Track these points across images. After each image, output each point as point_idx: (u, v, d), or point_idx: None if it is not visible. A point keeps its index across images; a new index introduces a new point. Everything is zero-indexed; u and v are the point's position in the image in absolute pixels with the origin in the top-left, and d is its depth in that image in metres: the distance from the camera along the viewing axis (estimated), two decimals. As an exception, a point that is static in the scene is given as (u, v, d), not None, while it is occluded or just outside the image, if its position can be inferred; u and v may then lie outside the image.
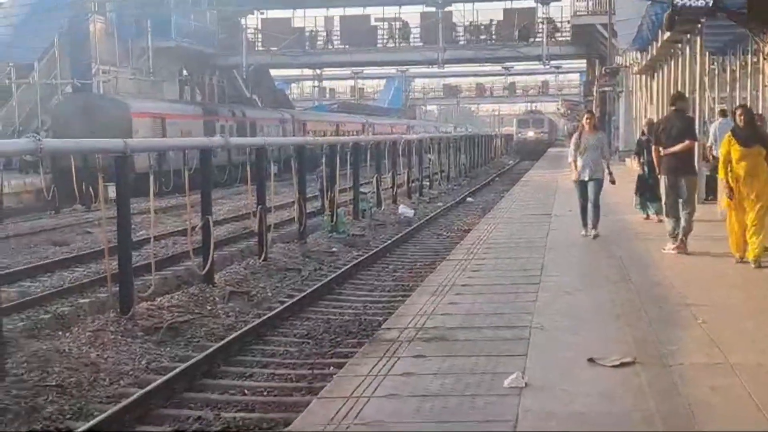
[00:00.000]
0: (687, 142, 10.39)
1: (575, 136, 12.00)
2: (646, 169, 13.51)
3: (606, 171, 11.81)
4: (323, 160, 20.04)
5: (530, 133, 62.34)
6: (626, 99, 36.43)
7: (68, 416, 6.76)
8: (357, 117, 57.26)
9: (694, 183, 10.94)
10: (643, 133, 14.62)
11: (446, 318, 7.25)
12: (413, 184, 27.15)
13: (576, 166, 11.72)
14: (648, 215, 13.65)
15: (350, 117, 56.37)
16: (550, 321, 7.00)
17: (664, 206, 10.78)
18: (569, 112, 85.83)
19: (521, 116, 70.47)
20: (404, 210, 21.98)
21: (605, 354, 5.90)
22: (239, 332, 9.13)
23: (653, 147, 10.88)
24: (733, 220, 9.53)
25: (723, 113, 19.62)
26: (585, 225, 11.93)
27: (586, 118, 12.09)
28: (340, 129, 48.62)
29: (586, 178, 11.68)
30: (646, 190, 13.63)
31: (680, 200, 10.39)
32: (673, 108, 10.98)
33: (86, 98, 30.66)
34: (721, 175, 9.76)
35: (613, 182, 12.04)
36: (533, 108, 77.18)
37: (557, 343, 6.37)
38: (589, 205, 11.81)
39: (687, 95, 14.85)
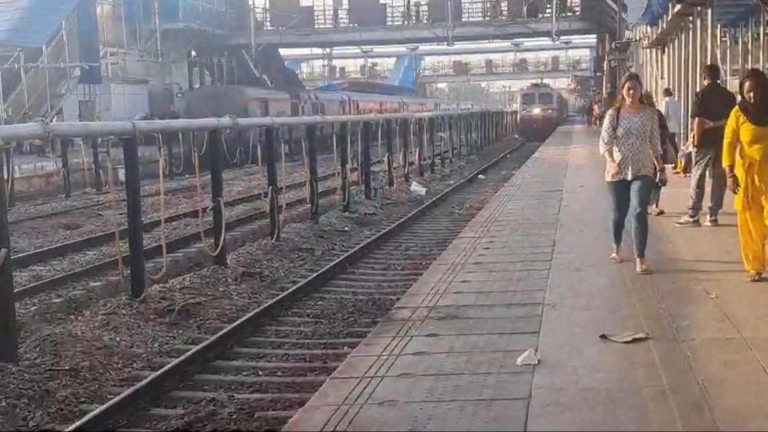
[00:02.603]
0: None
1: (610, 114, 8.08)
2: None
3: (656, 165, 8.07)
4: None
5: (536, 110, 54.65)
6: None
7: (82, 400, 6.81)
8: (394, 97, 60.54)
9: None
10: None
11: (459, 296, 7.25)
12: (425, 162, 27.09)
13: (612, 159, 7.96)
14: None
15: (389, 97, 59.37)
16: (562, 298, 6.98)
17: (692, 180, 10.65)
18: (580, 87, 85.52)
19: (526, 90, 60.82)
20: (416, 188, 21.97)
21: (617, 330, 5.89)
22: (252, 313, 9.17)
23: (698, 119, 10.31)
24: (745, 223, 7.37)
25: (667, 92, 20.17)
26: (618, 241, 8.27)
27: (628, 88, 7.91)
28: (382, 108, 51.35)
29: (630, 177, 7.87)
30: None
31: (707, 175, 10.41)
32: (710, 81, 10.77)
33: (213, 88, 39.44)
34: (725, 162, 7.55)
35: (664, 182, 8.44)
36: (540, 81, 67.33)
37: (569, 319, 6.36)
38: (629, 216, 8.05)
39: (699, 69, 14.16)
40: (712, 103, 10.39)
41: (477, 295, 7.29)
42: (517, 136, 54.78)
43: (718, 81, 11.20)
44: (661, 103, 17.86)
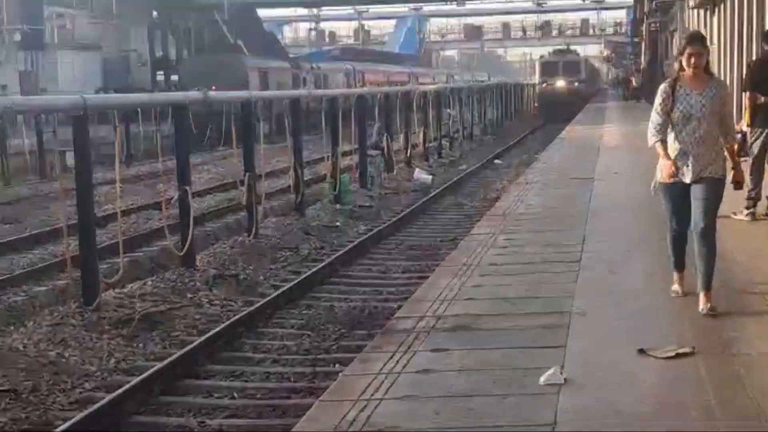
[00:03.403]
0: None
1: (663, 90, 6.79)
2: None
3: (728, 161, 6.90)
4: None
5: (560, 83, 51.60)
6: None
7: (24, 426, 6.82)
8: (403, 68, 63.95)
9: None
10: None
11: (471, 303, 7.26)
12: (431, 144, 27.11)
13: (665, 153, 6.71)
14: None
15: (398, 68, 62.96)
16: (593, 305, 6.99)
17: (750, 165, 10.59)
18: (614, 56, 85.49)
19: (547, 58, 56.83)
20: (420, 175, 22.01)
21: (658, 343, 5.90)
22: (226, 324, 9.18)
23: (749, 94, 10.34)
24: None
25: None
26: (680, 267, 7.11)
27: (689, 55, 6.65)
28: (390, 80, 53.21)
29: (689, 179, 6.69)
30: None
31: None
32: (766, 48, 10.79)
33: (210, 57, 41.32)
34: None
35: (739, 184, 7.10)
36: (566, 46, 62.83)
37: (602, 331, 6.38)
38: (691, 233, 6.90)
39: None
40: (762, 76, 10.39)
41: (492, 302, 7.30)
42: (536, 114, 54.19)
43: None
44: None
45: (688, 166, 6.70)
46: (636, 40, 60.49)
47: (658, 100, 6.84)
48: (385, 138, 22.32)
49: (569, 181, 15.39)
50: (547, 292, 7.54)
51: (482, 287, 7.83)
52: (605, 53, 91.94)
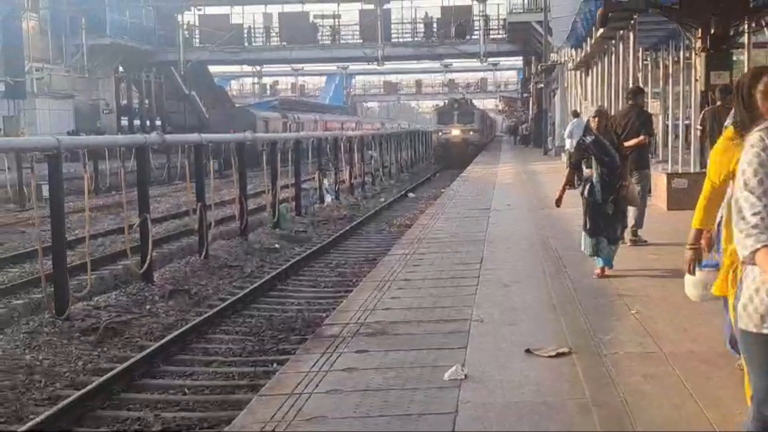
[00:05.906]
0: (641, 137, 10.30)
1: (761, 143, 2.78)
2: (597, 189, 8.48)
3: None
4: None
5: (455, 131, 45.91)
6: (562, 95, 36.94)
7: (2, 420, 6.61)
8: (352, 117, 70.01)
9: (647, 177, 10.86)
10: (588, 133, 8.64)
11: (388, 312, 7.27)
12: (356, 180, 27.25)
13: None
14: (603, 268, 8.60)
15: (349, 117, 68.37)
16: (489, 314, 7.05)
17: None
18: (507, 108, 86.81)
19: (442, 107, 50.90)
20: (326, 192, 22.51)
21: (542, 345, 5.98)
22: (179, 331, 9.03)
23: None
24: None
25: (575, 114, 22.65)
26: None
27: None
28: (343, 126, 56.32)
29: None
30: (600, 224, 8.54)
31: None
32: (630, 103, 10.95)
33: (231, 110, 49.60)
34: (697, 220, 4.76)
35: None
36: (463, 96, 57.44)
37: (496, 335, 6.43)
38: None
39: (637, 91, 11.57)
40: (619, 127, 10.58)
41: (406, 311, 7.32)
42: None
43: (641, 103, 11.34)
44: (568, 126, 20.06)
45: None
46: (525, 95, 61.48)
47: (750, 165, 2.82)
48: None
49: (470, 211, 15.54)
50: (451, 303, 7.59)
51: (398, 299, 7.85)
52: (500, 106, 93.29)
